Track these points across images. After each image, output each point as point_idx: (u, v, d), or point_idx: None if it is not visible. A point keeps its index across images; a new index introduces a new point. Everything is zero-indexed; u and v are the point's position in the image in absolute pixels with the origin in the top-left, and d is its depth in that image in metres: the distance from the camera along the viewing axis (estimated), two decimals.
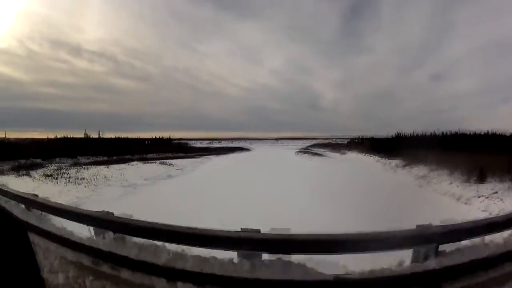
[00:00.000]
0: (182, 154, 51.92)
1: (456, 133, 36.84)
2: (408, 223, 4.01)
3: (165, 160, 37.86)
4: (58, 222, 5.34)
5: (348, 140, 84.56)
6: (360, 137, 69.19)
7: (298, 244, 3.39)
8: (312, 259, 3.36)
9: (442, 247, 3.57)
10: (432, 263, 3.33)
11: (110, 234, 4.34)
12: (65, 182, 20.64)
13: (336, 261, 3.40)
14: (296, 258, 3.41)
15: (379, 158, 37.56)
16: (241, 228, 3.55)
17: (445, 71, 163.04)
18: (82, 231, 4.65)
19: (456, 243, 3.63)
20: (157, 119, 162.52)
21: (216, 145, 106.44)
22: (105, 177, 23.32)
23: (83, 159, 36.62)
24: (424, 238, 3.50)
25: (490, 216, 5.27)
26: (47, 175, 22.80)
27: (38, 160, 31.27)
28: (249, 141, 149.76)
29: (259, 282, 3.22)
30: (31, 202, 5.98)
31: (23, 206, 6.25)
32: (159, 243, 3.92)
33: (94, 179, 22.32)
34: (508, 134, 30.87)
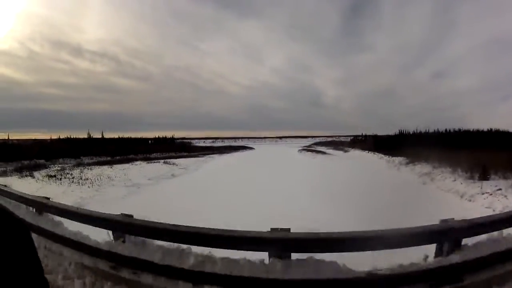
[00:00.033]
0: (185, 154, 52.04)
1: (459, 130, 36.83)
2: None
3: (169, 160, 37.91)
4: (69, 225, 5.19)
5: (351, 138, 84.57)
6: (363, 134, 69.17)
7: (331, 242, 3.44)
8: (343, 256, 3.41)
9: (464, 241, 3.69)
10: (455, 257, 3.43)
11: (130, 238, 4.24)
12: (69, 183, 20.69)
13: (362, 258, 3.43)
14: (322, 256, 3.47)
15: (382, 156, 37.44)
16: (271, 228, 3.53)
17: (446, 69, 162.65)
18: (99, 235, 4.53)
19: (477, 236, 3.73)
20: (158, 118, 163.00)
21: (218, 144, 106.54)
22: (108, 177, 23.36)
23: (86, 159, 36.82)
24: (447, 233, 3.62)
25: (510, 210, 5.32)
26: (51, 176, 22.85)
27: (41, 161, 31.50)
28: (251, 139, 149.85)
29: (292, 282, 3.21)
30: (42, 206, 5.79)
31: (33, 209, 6.13)
32: (184, 246, 3.84)
33: (97, 179, 22.36)
34: (510, 131, 30.76)
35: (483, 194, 14.39)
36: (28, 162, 29.58)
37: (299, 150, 62.90)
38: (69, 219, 5.14)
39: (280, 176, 24.06)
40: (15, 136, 58.01)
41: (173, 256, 3.73)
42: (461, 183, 17.03)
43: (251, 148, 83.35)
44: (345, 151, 56.22)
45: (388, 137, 48.14)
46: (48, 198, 5.91)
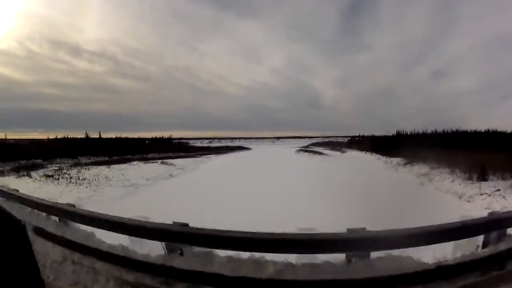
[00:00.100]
0: (183, 154, 51.95)
1: (457, 131, 37.01)
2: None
3: (166, 160, 37.79)
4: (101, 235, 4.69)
5: (348, 138, 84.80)
6: (361, 135, 69.37)
7: (407, 237, 3.54)
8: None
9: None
10: (502, 246, 3.77)
11: (188, 249, 3.94)
12: (66, 183, 20.59)
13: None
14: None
15: (380, 156, 37.56)
16: (347, 229, 3.57)
17: (445, 69, 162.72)
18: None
19: None
20: (157, 118, 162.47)
21: (216, 144, 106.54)
22: (106, 177, 23.28)
23: (84, 159, 36.65)
24: (495, 224, 3.96)
25: None
26: (48, 176, 22.73)
27: (39, 161, 31.31)
28: (249, 140, 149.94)
29: (376, 280, 3.25)
30: (70, 214, 5.27)
31: (57, 218, 5.59)
32: (257, 255, 3.61)
33: (95, 179, 22.27)
34: (508, 132, 30.93)
35: (481, 195, 14.43)
36: (25, 162, 29.41)
37: (296, 150, 62.89)
38: (105, 229, 4.59)
39: (277, 178, 23.99)
40: (12, 135, 57.81)
41: (245, 267, 3.51)
42: (460, 184, 17.08)
43: (248, 149, 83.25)
44: (343, 152, 56.35)
45: (385, 138, 48.32)
46: (74, 205, 5.52)
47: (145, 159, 37.81)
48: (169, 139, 72.38)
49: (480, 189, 15.04)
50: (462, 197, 15.11)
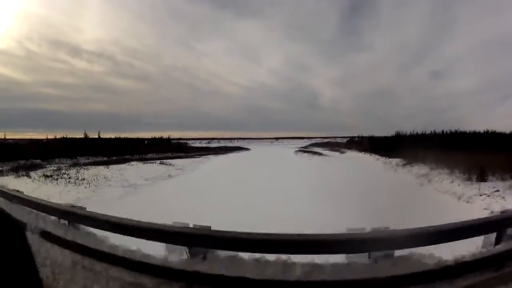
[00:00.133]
0: (181, 154, 51.82)
1: (456, 131, 37.06)
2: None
3: (165, 160, 37.70)
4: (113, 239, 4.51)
5: (347, 139, 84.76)
6: (360, 136, 69.32)
7: (429, 236, 3.62)
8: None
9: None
10: (501, 246, 3.83)
11: (209, 253, 3.82)
12: (65, 183, 20.57)
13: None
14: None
15: (379, 157, 37.60)
16: (371, 228, 3.61)
17: (444, 70, 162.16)
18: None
19: None
20: (156, 118, 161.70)
21: (215, 144, 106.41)
22: (105, 178, 23.24)
23: (82, 160, 36.57)
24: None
25: None
26: (47, 176, 22.69)
27: (38, 161, 31.25)
28: (248, 140, 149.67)
29: (398, 278, 3.28)
30: (77, 217, 5.06)
31: (66, 221, 5.29)
32: (284, 256, 3.53)
33: (94, 179, 22.24)
34: (507, 133, 31.00)
35: (481, 195, 14.47)
36: (24, 162, 29.35)
37: (295, 151, 62.86)
38: (122, 234, 4.33)
39: (276, 178, 24.02)
40: (11, 135, 57.67)
41: (271, 269, 3.44)
42: (459, 185, 17.12)
43: (247, 149, 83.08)
44: (342, 152, 56.41)
45: (385, 138, 48.30)
46: (84, 208, 5.31)
47: (144, 160, 37.68)
48: (168, 140, 72.13)
49: (479, 189, 15.09)
50: (461, 198, 15.13)
